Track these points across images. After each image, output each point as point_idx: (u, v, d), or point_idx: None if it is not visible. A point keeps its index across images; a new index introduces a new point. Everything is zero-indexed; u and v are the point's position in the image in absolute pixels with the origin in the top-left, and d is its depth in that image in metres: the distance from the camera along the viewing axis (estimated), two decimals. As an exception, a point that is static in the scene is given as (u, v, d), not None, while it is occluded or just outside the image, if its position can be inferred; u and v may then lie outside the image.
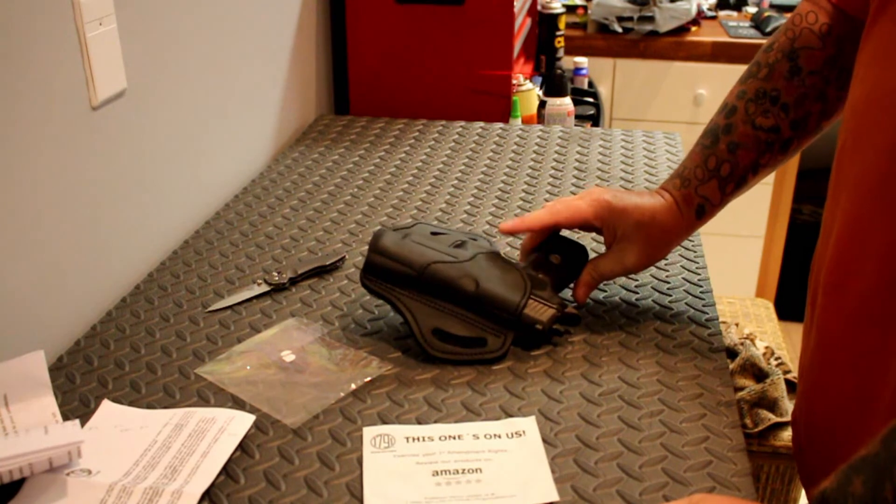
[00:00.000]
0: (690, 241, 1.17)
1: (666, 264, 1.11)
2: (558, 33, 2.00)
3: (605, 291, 1.05)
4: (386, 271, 0.91)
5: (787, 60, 0.91)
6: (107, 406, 0.85)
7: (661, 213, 0.96)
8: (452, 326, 0.91)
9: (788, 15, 1.06)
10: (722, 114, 0.95)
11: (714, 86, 2.56)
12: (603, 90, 2.56)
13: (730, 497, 0.73)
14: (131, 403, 0.86)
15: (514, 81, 1.69)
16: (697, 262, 1.12)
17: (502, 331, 0.92)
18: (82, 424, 0.81)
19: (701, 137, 0.97)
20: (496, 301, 0.91)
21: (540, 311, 0.91)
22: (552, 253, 0.99)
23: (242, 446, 0.79)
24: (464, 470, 0.76)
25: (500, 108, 1.67)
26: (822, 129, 0.94)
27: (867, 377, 0.76)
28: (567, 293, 1.01)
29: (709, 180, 0.95)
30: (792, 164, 2.61)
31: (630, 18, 2.55)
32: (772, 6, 2.79)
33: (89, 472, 0.74)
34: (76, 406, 0.85)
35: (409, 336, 0.96)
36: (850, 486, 0.55)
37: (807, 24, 0.91)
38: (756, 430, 1.51)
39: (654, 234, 0.96)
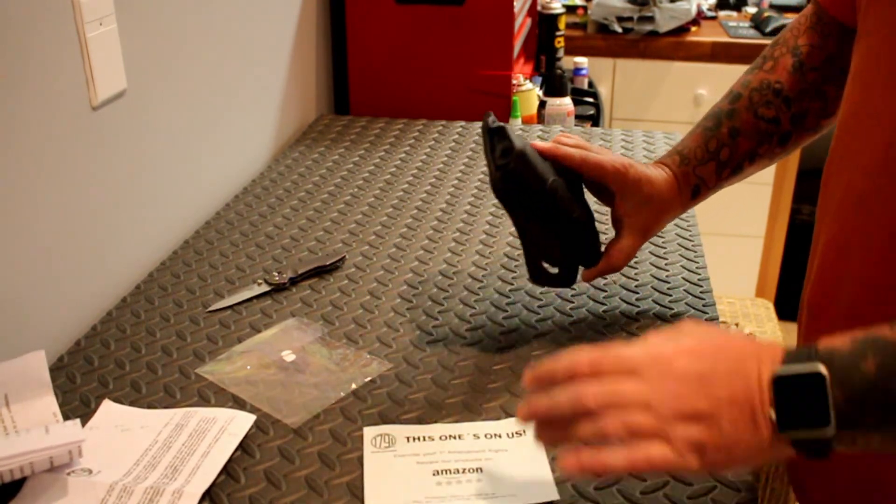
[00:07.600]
0: (690, 241, 1.18)
1: (666, 264, 1.11)
2: (558, 33, 2.00)
3: (606, 291, 1.05)
4: (521, 181, 0.87)
5: (791, 55, 0.94)
6: (107, 406, 0.85)
7: (664, 186, 0.96)
8: (553, 255, 0.94)
9: (788, 15, 1.07)
10: (726, 100, 0.97)
11: (714, 86, 2.55)
12: (603, 90, 2.56)
13: (714, 326, 0.73)
14: (132, 403, 0.86)
15: (514, 81, 1.69)
16: (697, 262, 1.12)
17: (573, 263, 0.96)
18: (83, 424, 0.81)
19: (703, 120, 0.98)
20: (592, 244, 0.96)
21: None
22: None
23: (243, 446, 0.79)
24: (464, 469, 0.76)
25: (500, 108, 1.67)
26: (820, 127, 0.95)
27: None
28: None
29: (707, 162, 0.96)
30: (792, 164, 2.61)
31: (630, 18, 2.55)
32: (772, 6, 2.79)
33: (90, 471, 0.74)
34: (77, 406, 0.86)
35: (407, 335, 0.96)
36: (864, 362, 0.54)
37: (810, 23, 0.93)
38: (756, 429, 1.51)
39: (655, 208, 0.96)
